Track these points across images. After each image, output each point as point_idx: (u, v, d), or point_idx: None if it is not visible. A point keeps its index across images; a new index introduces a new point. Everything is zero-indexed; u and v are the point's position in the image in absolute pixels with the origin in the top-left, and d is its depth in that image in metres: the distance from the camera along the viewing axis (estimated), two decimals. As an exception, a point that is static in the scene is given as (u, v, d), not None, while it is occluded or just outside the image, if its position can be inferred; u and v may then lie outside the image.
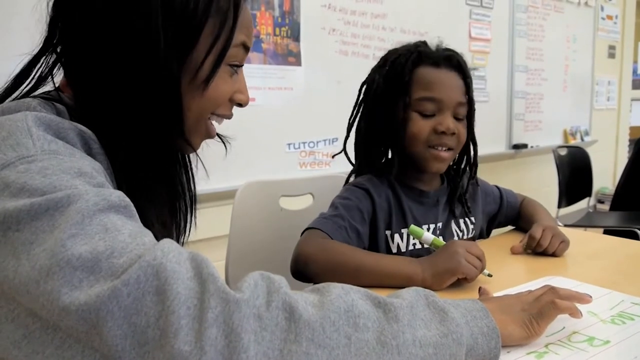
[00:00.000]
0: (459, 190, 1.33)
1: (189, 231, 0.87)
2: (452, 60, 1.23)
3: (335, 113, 2.68)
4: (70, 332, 0.49)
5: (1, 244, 0.52)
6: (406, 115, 1.22)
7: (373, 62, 2.94)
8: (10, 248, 0.51)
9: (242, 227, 1.53)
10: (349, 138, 1.33)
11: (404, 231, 1.23)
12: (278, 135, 2.51)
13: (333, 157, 1.36)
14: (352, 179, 1.34)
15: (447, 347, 0.59)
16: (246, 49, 0.76)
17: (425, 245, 1.11)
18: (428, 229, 1.26)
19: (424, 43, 1.29)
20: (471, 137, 1.29)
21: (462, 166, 1.34)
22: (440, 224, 1.29)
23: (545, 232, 1.21)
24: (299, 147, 2.59)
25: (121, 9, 0.66)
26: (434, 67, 1.22)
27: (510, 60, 3.74)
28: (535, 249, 1.20)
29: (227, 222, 1.50)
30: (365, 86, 1.33)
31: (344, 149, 1.34)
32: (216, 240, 1.78)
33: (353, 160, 1.35)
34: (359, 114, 1.33)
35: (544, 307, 0.72)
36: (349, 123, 1.33)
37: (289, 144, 2.56)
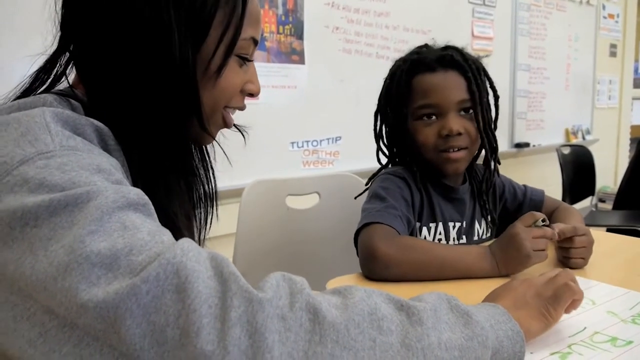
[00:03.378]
0: (481, 187, 1.31)
1: (210, 224, 0.87)
2: (445, 60, 1.21)
3: (338, 111, 2.70)
4: (88, 330, 0.48)
5: (18, 240, 0.51)
6: (410, 126, 1.23)
7: (376, 61, 2.94)
8: (28, 244, 0.51)
9: (249, 225, 1.52)
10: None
11: (432, 225, 1.23)
12: (281, 133, 2.49)
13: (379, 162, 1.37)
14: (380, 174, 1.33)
15: (473, 350, 0.58)
16: (255, 42, 0.76)
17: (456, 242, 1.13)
18: (454, 227, 1.26)
19: (426, 46, 1.28)
20: (484, 131, 1.24)
21: (479, 162, 1.33)
22: (465, 223, 1.28)
23: (586, 237, 1.10)
24: (303, 146, 2.58)
25: (132, 4, 0.66)
26: (430, 72, 1.21)
27: (512, 58, 3.73)
28: (563, 243, 1.10)
29: (231, 220, 1.49)
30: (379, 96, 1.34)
31: (377, 154, 1.35)
32: (221, 238, 1.77)
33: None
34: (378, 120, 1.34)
35: (559, 290, 0.71)
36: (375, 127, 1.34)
37: (293, 143, 2.55)
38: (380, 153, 1.34)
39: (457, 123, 1.19)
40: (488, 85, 1.28)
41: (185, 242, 0.53)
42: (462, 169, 1.24)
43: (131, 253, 0.50)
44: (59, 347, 0.49)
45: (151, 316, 0.47)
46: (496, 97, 1.30)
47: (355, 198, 1.52)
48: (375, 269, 1.05)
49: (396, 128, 1.27)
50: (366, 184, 1.37)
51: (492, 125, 1.27)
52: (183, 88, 0.68)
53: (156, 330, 0.47)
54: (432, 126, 1.20)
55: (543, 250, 1.00)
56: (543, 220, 1.03)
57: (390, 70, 1.29)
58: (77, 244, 0.49)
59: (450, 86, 1.20)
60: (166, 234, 0.55)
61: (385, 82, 1.30)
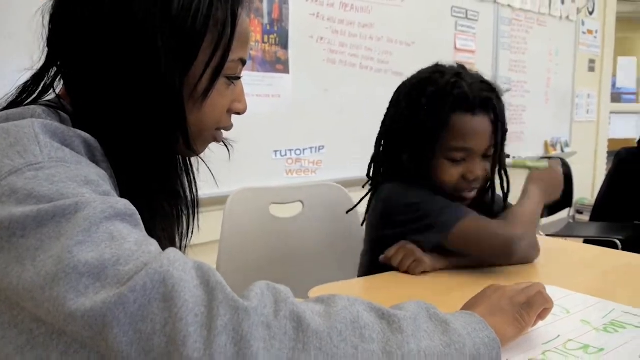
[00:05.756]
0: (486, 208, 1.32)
1: (191, 234, 0.88)
2: (488, 105, 1.23)
3: (321, 121, 2.72)
4: (76, 337, 0.49)
5: (5, 250, 0.52)
6: (436, 160, 1.24)
7: (360, 71, 2.96)
8: (15, 254, 0.51)
9: (233, 233, 1.54)
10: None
11: None
12: (265, 142, 2.51)
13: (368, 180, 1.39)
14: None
15: (451, 357, 0.60)
16: (243, 63, 0.76)
17: None
18: None
19: (462, 72, 1.26)
20: (504, 170, 1.32)
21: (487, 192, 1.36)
22: None
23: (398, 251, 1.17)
24: (286, 155, 2.59)
25: (120, 26, 0.66)
26: (471, 113, 1.21)
27: (494, 72, 3.79)
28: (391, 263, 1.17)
29: (214, 228, 1.50)
30: (391, 107, 1.33)
31: (371, 163, 1.36)
32: (204, 246, 1.77)
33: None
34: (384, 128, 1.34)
35: (532, 297, 0.74)
36: (377, 139, 1.34)
37: (276, 151, 2.56)
38: (372, 165, 1.34)
39: (481, 168, 1.24)
40: None
41: (172, 252, 0.54)
42: (472, 197, 1.28)
43: (118, 263, 0.51)
44: (46, 354, 0.50)
45: (138, 324, 0.48)
46: (504, 131, 1.32)
47: (347, 212, 1.55)
48: (510, 249, 1.11)
49: (416, 153, 1.26)
50: (365, 196, 1.38)
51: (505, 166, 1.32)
52: (169, 110, 0.69)
53: (143, 339, 0.48)
54: (459, 168, 1.23)
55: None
56: None
57: (426, 92, 1.24)
58: (65, 254, 0.50)
59: (483, 132, 1.23)
60: (153, 244, 0.56)
61: (409, 98, 1.26)
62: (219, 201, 1.51)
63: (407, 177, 1.28)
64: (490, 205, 1.33)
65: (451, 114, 1.21)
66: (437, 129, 1.21)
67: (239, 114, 0.79)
